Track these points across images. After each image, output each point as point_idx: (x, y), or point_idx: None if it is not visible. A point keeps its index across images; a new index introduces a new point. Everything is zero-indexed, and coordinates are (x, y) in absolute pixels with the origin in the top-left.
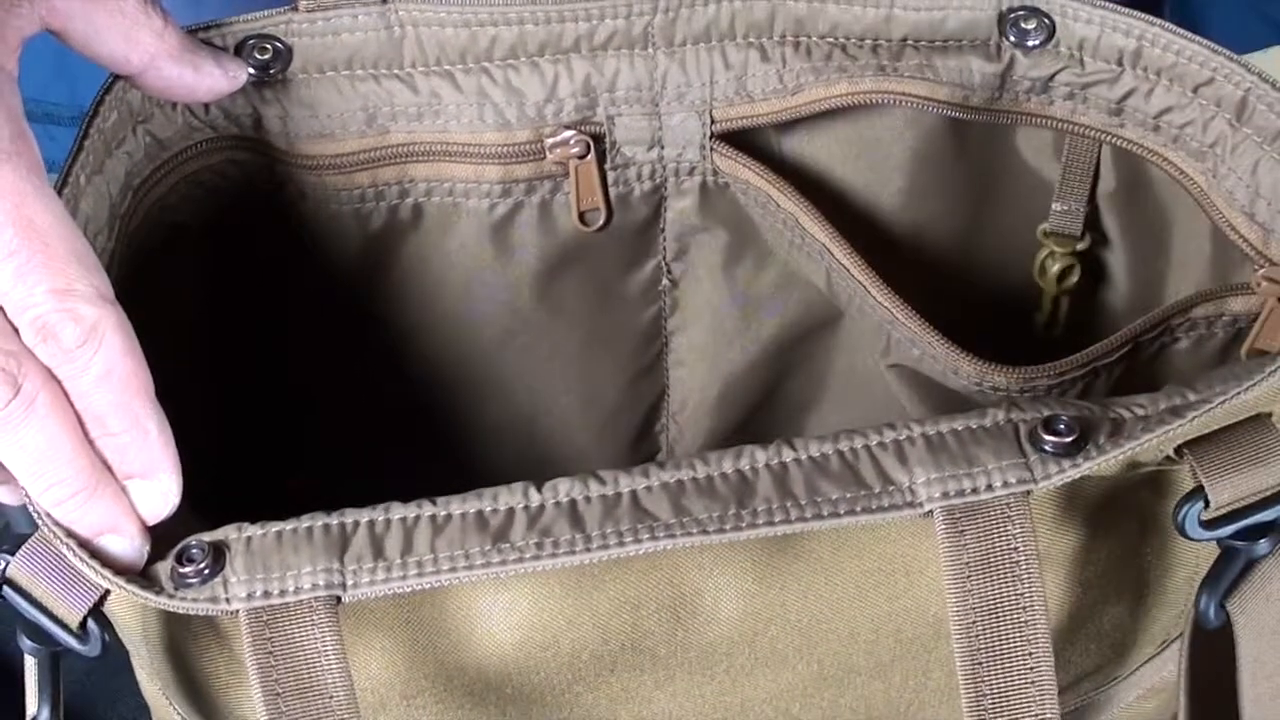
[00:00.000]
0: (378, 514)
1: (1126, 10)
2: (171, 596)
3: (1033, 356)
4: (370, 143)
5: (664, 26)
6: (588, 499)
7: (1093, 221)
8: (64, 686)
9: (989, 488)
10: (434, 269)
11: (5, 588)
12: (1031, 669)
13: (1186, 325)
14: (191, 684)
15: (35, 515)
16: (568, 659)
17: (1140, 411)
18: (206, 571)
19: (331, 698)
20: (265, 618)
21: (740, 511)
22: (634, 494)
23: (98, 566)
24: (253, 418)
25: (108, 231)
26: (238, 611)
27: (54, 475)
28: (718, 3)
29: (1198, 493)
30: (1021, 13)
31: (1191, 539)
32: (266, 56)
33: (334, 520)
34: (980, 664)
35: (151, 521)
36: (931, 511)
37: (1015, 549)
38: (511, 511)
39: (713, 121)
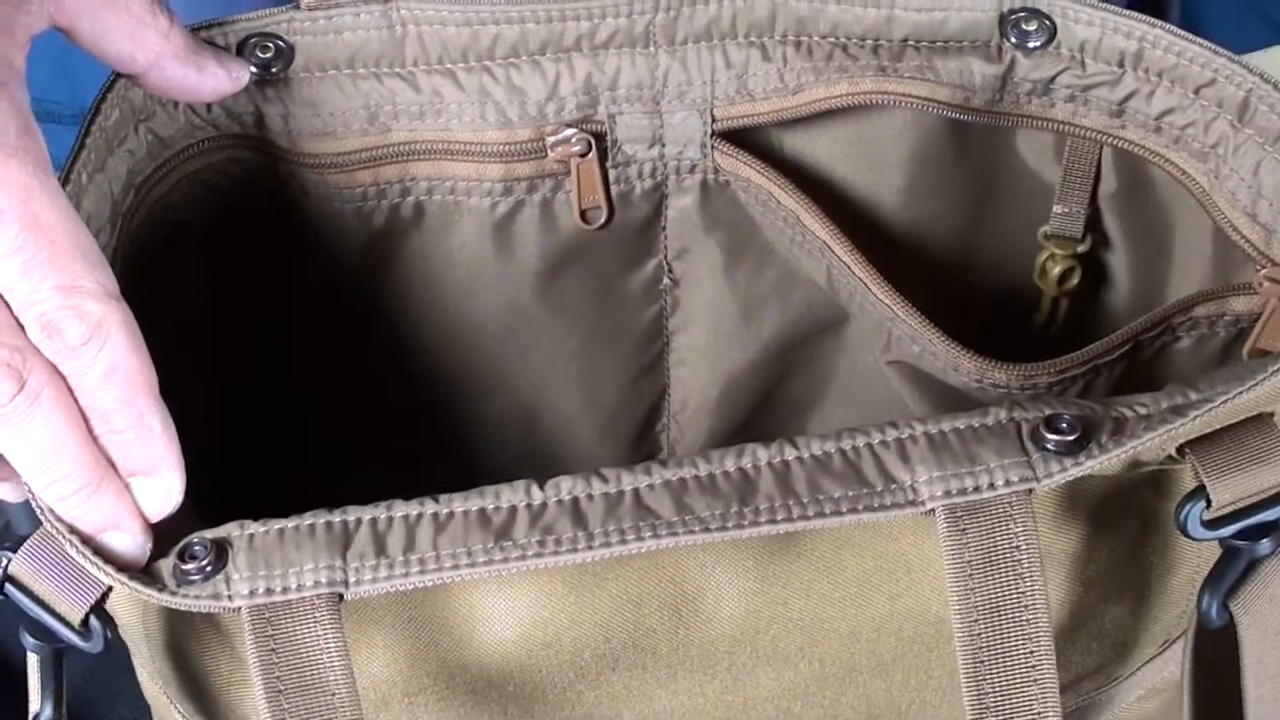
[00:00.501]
0: (380, 511)
1: (1127, 12)
2: (174, 593)
3: (1033, 357)
4: (372, 141)
5: (665, 25)
6: (590, 497)
7: (1094, 223)
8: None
9: (991, 486)
10: (436, 267)
11: (8, 585)
12: (1033, 667)
13: (1188, 324)
14: (193, 683)
15: (38, 511)
16: (570, 657)
17: (1142, 411)
18: (209, 568)
19: (334, 695)
20: (268, 615)
21: (743, 509)
22: (636, 492)
23: (100, 563)
24: (256, 415)
25: (110, 230)
26: (240, 609)
27: (58, 471)
28: (719, 2)
29: (1199, 492)
30: (1022, 14)
31: (1193, 539)
32: (269, 55)
33: (336, 518)
34: (982, 662)
35: (154, 519)
36: (933, 510)
37: (1017, 547)
38: (514, 509)
39: (714, 120)
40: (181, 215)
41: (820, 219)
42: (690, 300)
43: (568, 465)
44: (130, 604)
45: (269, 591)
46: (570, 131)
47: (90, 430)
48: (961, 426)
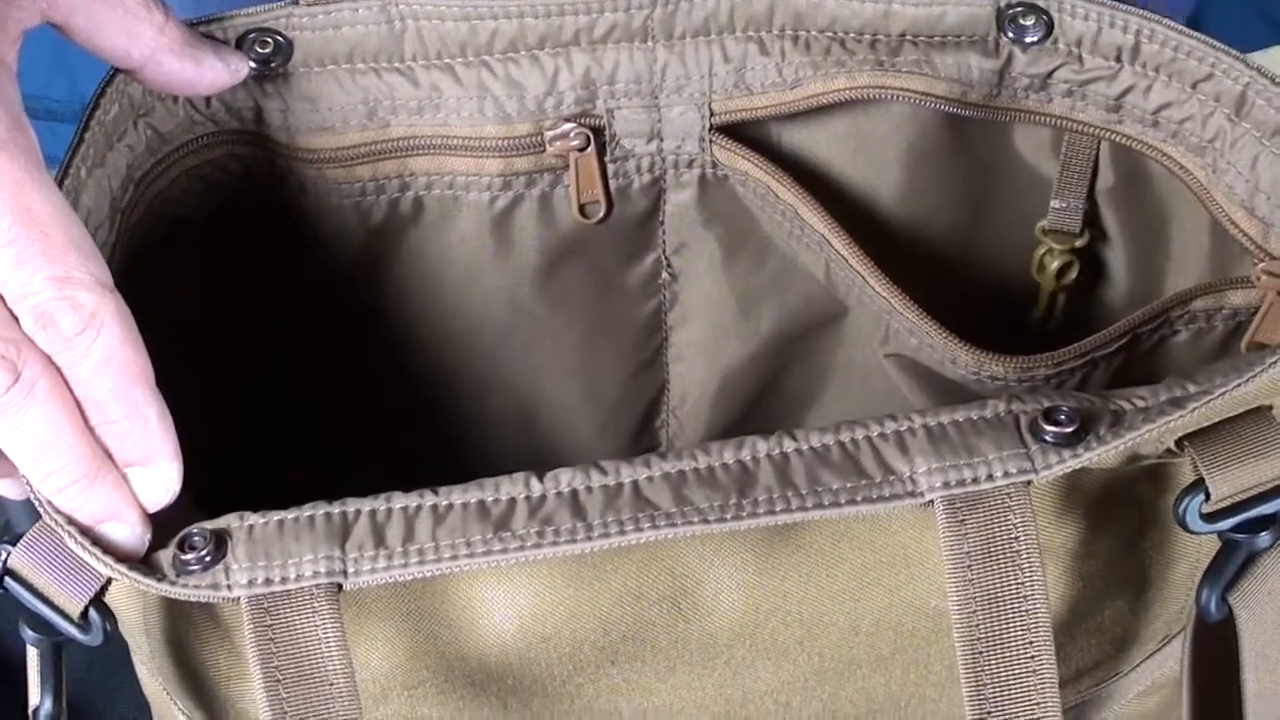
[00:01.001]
0: (379, 503)
1: (1124, 6)
2: (173, 583)
3: (1030, 350)
4: (371, 136)
5: (663, 20)
6: (589, 489)
7: (1091, 218)
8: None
9: (990, 477)
10: (434, 262)
11: (7, 578)
12: (1032, 657)
13: (1186, 318)
14: (192, 677)
15: (37, 503)
16: (569, 650)
17: (1141, 403)
18: (208, 559)
19: (332, 685)
20: (266, 605)
21: (741, 501)
22: (635, 484)
23: (99, 554)
24: (254, 411)
25: (108, 225)
26: (239, 599)
27: (55, 462)
28: None
29: (1198, 485)
30: (1020, 9)
31: (1192, 532)
32: (267, 50)
33: (335, 509)
34: (981, 653)
35: (152, 509)
36: (932, 501)
37: (1016, 538)
38: (513, 501)
39: (712, 114)
40: (180, 211)
41: (819, 212)
42: (689, 295)
43: (567, 460)
44: (129, 598)
45: (268, 582)
46: (568, 126)
47: (86, 421)
48: (960, 419)
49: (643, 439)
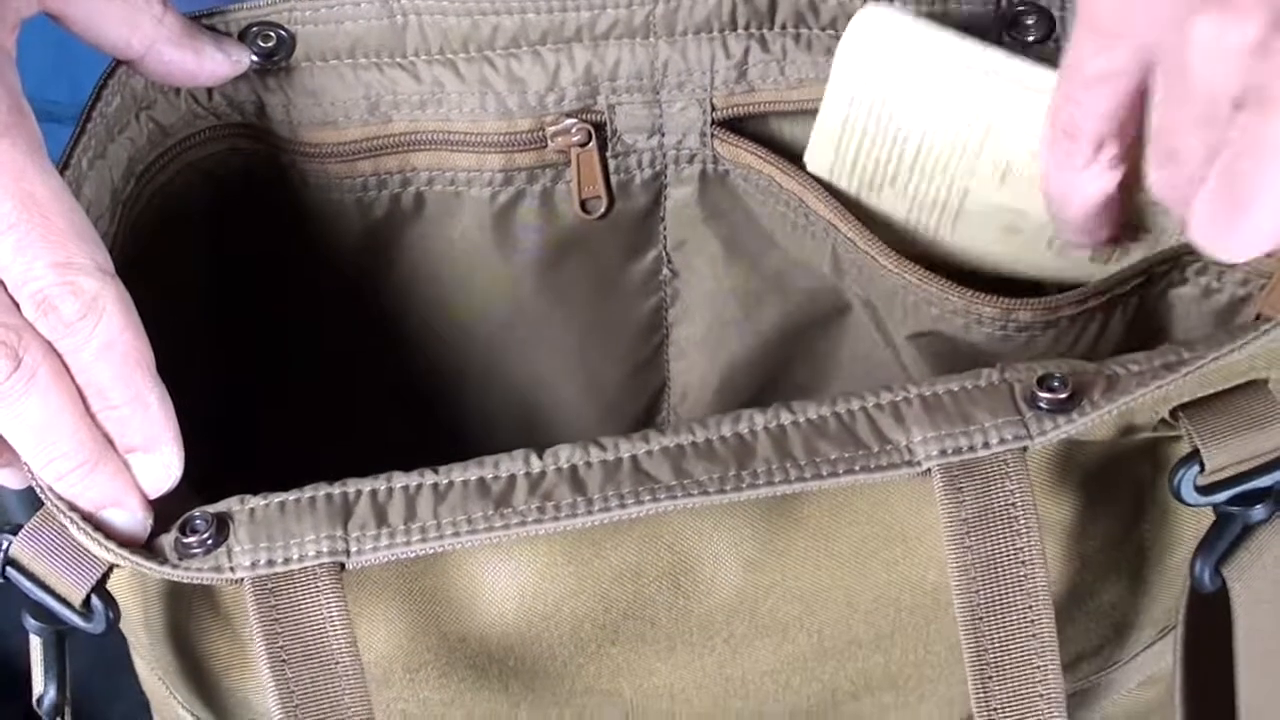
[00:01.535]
0: (380, 483)
1: None
2: (175, 566)
3: None
4: (373, 131)
5: (665, 16)
6: (589, 464)
7: None
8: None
9: (986, 445)
10: (435, 258)
11: (8, 568)
12: (1032, 622)
13: (1198, 267)
14: (193, 669)
15: (38, 490)
16: (570, 629)
17: (1135, 369)
18: (210, 541)
19: (338, 663)
20: (270, 585)
21: (740, 473)
22: (634, 458)
23: (102, 539)
24: (254, 405)
25: (110, 217)
26: (242, 580)
27: (56, 449)
28: None
29: (1193, 457)
30: (1021, 8)
31: (1187, 504)
32: (270, 44)
33: (336, 489)
34: (981, 619)
35: (153, 495)
36: (929, 470)
37: (1013, 504)
38: (513, 478)
39: (713, 109)
40: (182, 204)
41: (824, 198)
42: (690, 292)
43: None
44: (130, 590)
45: (270, 563)
46: (570, 121)
47: (88, 407)
48: (955, 388)
49: None
